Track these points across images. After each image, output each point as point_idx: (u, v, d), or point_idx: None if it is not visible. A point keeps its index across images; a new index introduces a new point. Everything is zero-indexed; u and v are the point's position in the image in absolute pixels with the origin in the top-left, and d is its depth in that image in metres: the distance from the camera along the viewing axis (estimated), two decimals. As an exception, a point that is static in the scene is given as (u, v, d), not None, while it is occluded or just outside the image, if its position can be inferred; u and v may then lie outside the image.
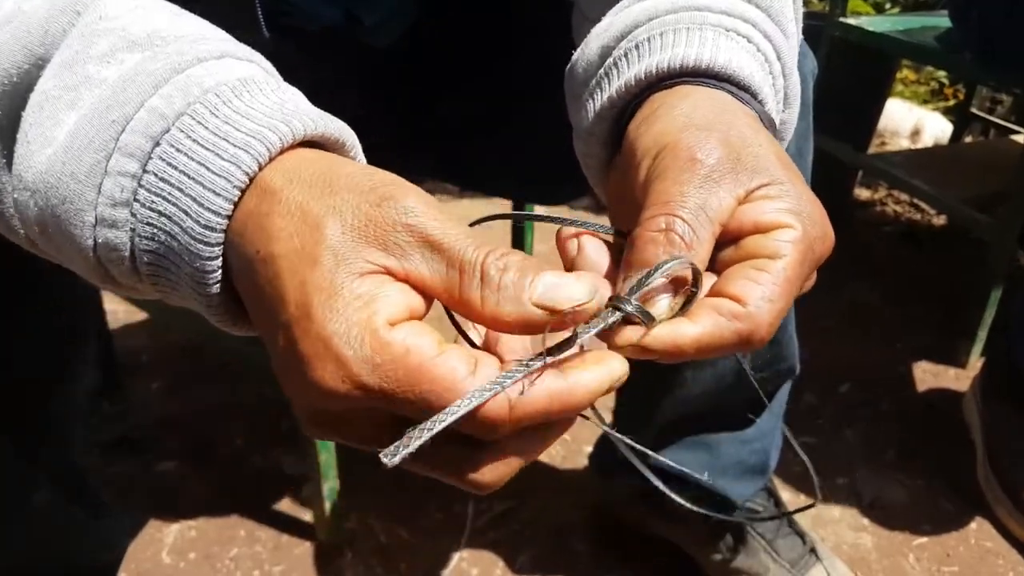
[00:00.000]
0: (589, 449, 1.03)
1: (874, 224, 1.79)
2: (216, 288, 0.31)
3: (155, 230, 0.30)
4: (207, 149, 0.29)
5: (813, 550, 0.89)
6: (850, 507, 1.06)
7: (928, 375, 1.31)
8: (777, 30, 0.40)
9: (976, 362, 1.33)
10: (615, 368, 0.28)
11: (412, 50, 0.72)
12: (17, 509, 0.63)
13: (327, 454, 0.89)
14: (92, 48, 0.31)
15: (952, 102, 2.38)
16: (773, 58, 0.39)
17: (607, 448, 0.96)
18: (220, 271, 0.30)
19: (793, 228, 0.31)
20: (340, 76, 0.73)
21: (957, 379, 1.30)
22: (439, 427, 0.26)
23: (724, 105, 0.35)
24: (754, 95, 0.37)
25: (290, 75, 0.35)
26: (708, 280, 0.32)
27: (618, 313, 0.28)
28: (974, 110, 1.98)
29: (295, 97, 0.32)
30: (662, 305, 0.30)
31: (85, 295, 0.66)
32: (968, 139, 2.01)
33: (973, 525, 1.04)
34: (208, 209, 0.29)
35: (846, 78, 1.55)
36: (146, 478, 1.05)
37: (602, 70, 0.39)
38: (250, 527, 0.98)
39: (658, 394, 0.81)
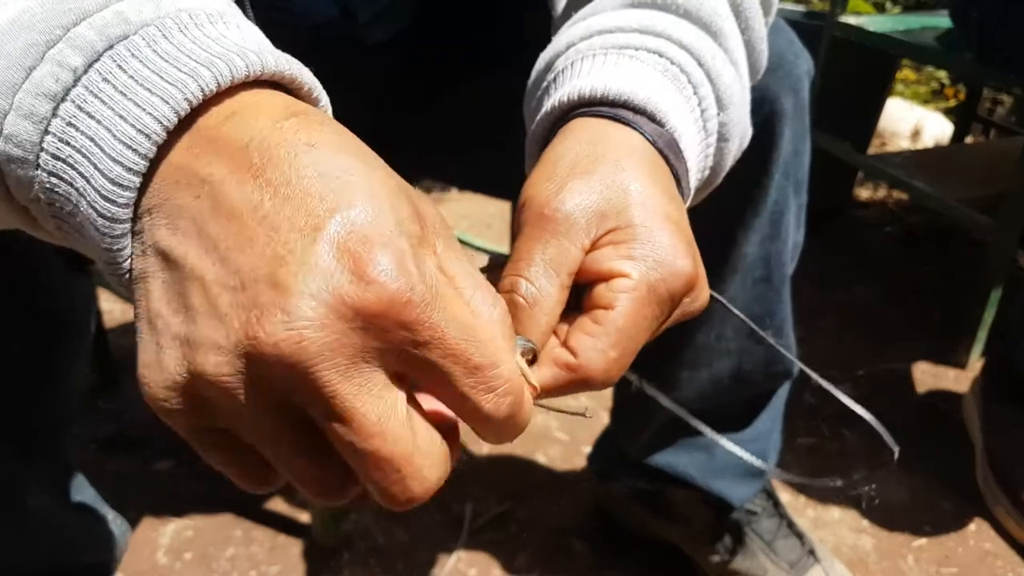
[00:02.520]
0: (587, 450, 1.03)
1: (874, 224, 1.79)
2: (125, 213, 0.26)
3: (77, 133, 0.26)
4: (166, 61, 0.26)
5: (812, 551, 0.89)
6: (850, 508, 1.05)
7: (928, 376, 1.31)
8: (700, 34, 0.39)
9: (976, 363, 1.32)
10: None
11: (409, 47, 0.72)
12: (11, 511, 0.62)
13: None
14: None
15: (952, 102, 2.38)
16: (692, 67, 0.38)
17: (605, 449, 0.96)
18: (137, 193, 0.26)
19: (628, 277, 0.32)
20: (335, 74, 0.72)
21: (957, 380, 1.30)
22: None
23: (599, 142, 0.35)
24: (652, 116, 0.37)
25: None
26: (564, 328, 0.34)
27: None
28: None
29: (266, 40, 0.30)
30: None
31: (78, 293, 0.65)
32: (969, 140, 2.01)
33: (972, 526, 1.04)
34: (149, 113, 0.25)
35: (846, 78, 1.55)
36: (142, 476, 1.04)
37: (544, 85, 0.41)
38: (247, 527, 0.98)
39: (653, 397, 0.80)
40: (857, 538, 1.01)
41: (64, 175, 0.26)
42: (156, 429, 1.11)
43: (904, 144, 2.12)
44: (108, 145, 0.25)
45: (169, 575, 0.92)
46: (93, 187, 0.26)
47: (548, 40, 0.49)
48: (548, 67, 0.41)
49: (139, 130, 0.25)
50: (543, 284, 0.32)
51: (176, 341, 0.25)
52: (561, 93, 0.38)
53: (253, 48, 0.27)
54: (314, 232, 0.24)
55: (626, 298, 0.32)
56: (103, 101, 0.26)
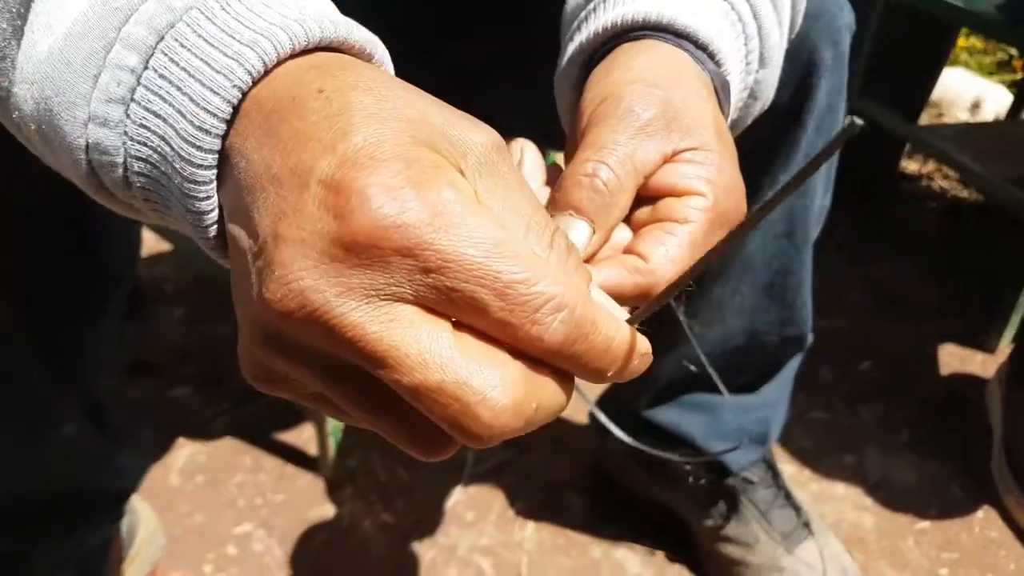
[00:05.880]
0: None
1: (919, 199, 1.73)
2: (208, 204, 0.28)
3: (149, 133, 0.27)
4: (212, 46, 0.26)
5: (807, 524, 0.89)
6: (854, 485, 1.04)
7: (954, 358, 1.27)
8: None
9: (1006, 348, 1.28)
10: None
11: None
12: (47, 438, 0.65)
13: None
14: None
15: (1020, 75, 2.26)
16: (749, 18, 0.39)
17: (606, 407, 0.96)
18: (214, 183, 0.27)
19: (704, 197, 0.33)
20: (366, 12, 0.72)
21: (984, 365, 1.26)
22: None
23: (678, 65, 0.36)
24: (712, 56, 0.37)
25: None
26: (622, 232, 0.34)
27: None
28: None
29: (321, 4, 0.29)
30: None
31: (125, 243, 0.66)
32: (1030, 115, 1.91)
33: (979, 513, 1.02)
34: (204, 109, 0.26)
35: (901, 43, 1.47)
36: (160, 402, 1.08)
37: (584, 13, 0.40)
38: (256, 456, 1.01)
39: (662, 351, 0.80)
40: (859, 516, 1.00)
41: (150, 174, 0.28)
42: (176, 358, 1.14)
43: (962, 116, 2.03)
44: (176, 144, 0.26)
45: (180, 496, 0.96)
46: (176, 184, 0.27)
47: None
48: None
49: (198, 127, 0.26)
50: (623, 177, 0.32)
51: (243, 321, 0.26)
52: (624, 11, 0.38)
53: (295, 17, 0.27)
54: (307, 175, 0.23)
55: (701, 216, 0.33)
56: (163, 98, 0.26)
